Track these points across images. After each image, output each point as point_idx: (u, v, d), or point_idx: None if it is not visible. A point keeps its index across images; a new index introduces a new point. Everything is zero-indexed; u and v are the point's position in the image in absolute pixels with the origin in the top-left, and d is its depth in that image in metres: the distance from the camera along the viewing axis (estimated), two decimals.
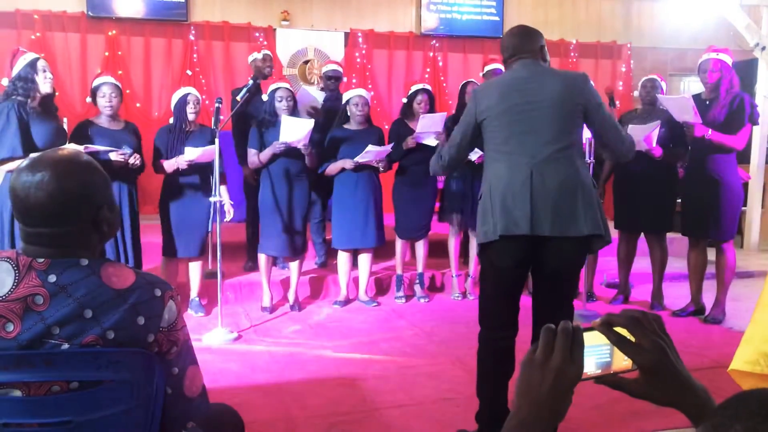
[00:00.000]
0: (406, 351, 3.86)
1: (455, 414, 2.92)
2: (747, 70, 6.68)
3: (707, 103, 4.30)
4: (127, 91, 6.70)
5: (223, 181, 4.30)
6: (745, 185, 5.82)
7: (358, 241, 4.76)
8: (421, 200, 4.90)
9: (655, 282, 4.80)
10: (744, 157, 6.04)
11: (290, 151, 4.46)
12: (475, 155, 4.38)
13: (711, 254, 4.50)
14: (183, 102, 4.37)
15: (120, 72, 7.04)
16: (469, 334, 3.14)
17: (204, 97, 6.29)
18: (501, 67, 4.48)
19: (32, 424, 1.25)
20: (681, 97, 4.53)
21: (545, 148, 2.44)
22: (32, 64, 3.70)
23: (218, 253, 4.15)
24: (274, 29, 7.81)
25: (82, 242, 1.33)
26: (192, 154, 4.22)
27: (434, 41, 8.30)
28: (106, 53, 7.32)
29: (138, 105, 7.42)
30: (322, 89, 5.76)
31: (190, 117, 4.38)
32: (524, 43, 2.58)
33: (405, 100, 5.03)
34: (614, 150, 2.61)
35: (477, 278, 3.60)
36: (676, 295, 4.89)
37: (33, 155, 1.36)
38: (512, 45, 2.60)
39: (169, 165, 4.31)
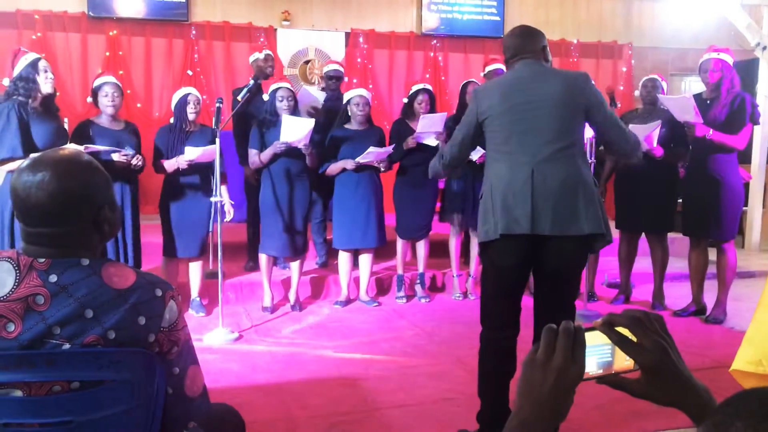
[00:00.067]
0: (406, 351, 3.86)
1: (456, 414, 2.91)
2: (748, 69, 6.67)
3: (708, 102, 4.30)
4: (128, 91, 6.70)
5: (223, 181, 4.30)
6: (746, 185, 5.82)
7: (358, 241, 4.76)
8: (421, 200, 4.90)
9: (656, 282, 4.80)
10: (745, 157, 6.03)
11: (291, 151, 4.46)
12: (476, 155, 4.38)
13: (712, 254, 4.50)
14: (183, 102, 4.37)
15: (121, 72, 7.03)
16: (470, 334, 3.14)
17: (205, 97, 6.30)
18: (502, 67, 4.49)
19: (33, 424, 1.25)
20: (682, 97, 4.52)
21: (546, 147, 2.44)
22: (33, 65, 3.70)
23: (219, 253, 4.14)
24: (275, 29, 7.81)
25: (82, 242, 1.33)
26: (192, 153, 4.22)
27: (435, 41, 8.30)
28: (107, 53, 7.32)
29: (139, 105, 7.42)
30: (322, 89, 5.76)
31: (191, 117, 4.38)
32: (526, 44, 2.58)
33: (406, 100, 5.03)
34: (619, 149, 2.61)
35: (478, 278, 3.59)
36: (677, 295, 4.89)
37: (34, 155, 1.36)
38: (514, 45, 2.60)
39: (170, 165, 4.31)
